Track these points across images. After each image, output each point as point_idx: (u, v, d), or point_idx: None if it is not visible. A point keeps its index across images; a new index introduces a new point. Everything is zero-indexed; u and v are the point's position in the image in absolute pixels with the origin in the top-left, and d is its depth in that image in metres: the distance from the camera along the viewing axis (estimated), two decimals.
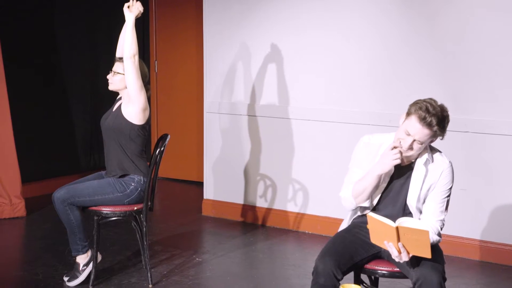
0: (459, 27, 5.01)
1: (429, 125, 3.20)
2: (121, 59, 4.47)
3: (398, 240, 3.09)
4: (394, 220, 3.15)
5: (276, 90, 5.86)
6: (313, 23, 5.60)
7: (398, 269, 3.33)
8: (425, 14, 5.13)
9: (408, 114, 3.27)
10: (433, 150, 3.41)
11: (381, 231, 3.13)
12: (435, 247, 3.24)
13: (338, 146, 5.56)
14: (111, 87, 4.52)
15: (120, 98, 4.58)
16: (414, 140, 3.24)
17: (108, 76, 4.51)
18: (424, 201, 3.37)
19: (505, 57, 4.86)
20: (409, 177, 3.37)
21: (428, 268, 3.14)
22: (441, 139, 3.31)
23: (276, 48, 5.82)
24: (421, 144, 3.25)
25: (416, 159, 3.36)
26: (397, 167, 3.37)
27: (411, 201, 3.36)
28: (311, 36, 5.63)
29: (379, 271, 3.38)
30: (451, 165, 3.38)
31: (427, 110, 3.20)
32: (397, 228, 3.06)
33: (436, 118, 3.20)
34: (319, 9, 5.57)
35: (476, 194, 5.06)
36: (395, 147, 3.26)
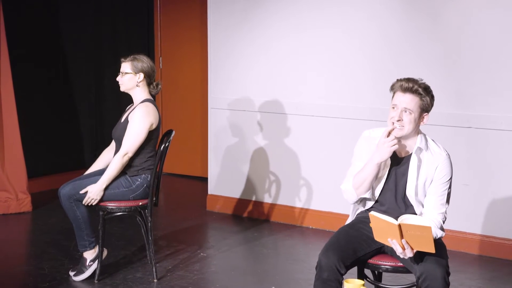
0: (461, 22, 5.01)
1: (414, 92, 3.29)
2: (126, 59, 4.49)
3: (402, 237, 3.10)
4: (397, 214, 3.17)
5: (280, 86, 5.87)
6: (315, 20, 5.61)
7: (401, 264, 3.34)
8: (427, 8, 5.13)
9: (393, 91, 3.35)
10: (428, 140, 3.42)
11: (384, 229, 3.14)
12: (438, 242, 3.24)
13: (341, 141, 5.57)
14: (122, 88, 4.51)
15: (130, 107, 4.59)
16: (404, 111, 3.28)
17: (118, 78, 4.50)
18: (424, 194, 3.37)
19: (507, 52, 4.86)
20: (407, 168, 3.39)
21: (432, 263, 3.15)
22: (429, 110, 3.34)
23: (280, 45, 5.83)
24: (411, 114, 3.29)
25: (413, 152, 3.37)
26: (396, 159, 3.39)
27: (410, 192, 3.38)
28: (314, 32, 5.63)
29: (383, 266, 3.39)
30: (449, 156, 3.38)
31: (408, 80, 3.31)
32: (399, 225, 3.07)
33: (417, 84, 3.30)
34: (321, 6, 5.57)
35: (478, 189, 5.07)
36: (389, 133, 3.29)
